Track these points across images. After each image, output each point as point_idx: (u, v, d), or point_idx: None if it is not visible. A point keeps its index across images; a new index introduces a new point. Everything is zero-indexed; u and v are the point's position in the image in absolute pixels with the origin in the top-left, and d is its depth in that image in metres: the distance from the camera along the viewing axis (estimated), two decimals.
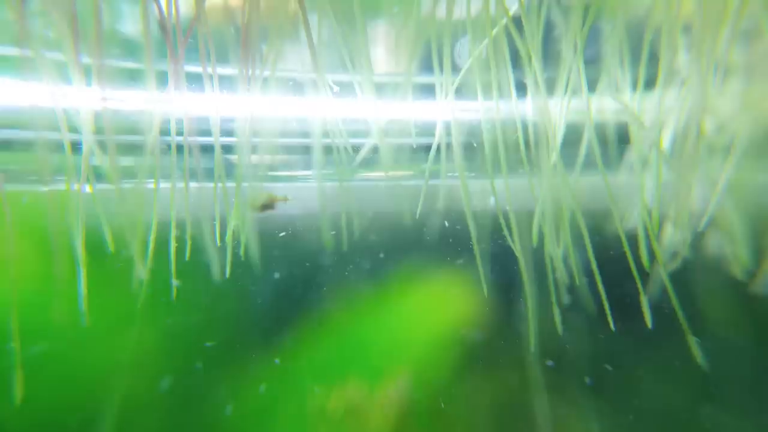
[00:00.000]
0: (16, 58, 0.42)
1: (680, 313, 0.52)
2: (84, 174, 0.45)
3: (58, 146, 0.43)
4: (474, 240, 0.54)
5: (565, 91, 0.54)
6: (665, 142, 0.58)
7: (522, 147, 0.53)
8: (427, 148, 0.54)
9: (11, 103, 0.45)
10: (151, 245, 0.47)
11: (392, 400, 0.59)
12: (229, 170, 0.49)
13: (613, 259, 0.53)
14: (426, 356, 0.61)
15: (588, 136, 0.55)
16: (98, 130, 0.44)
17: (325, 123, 0.51)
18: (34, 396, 0.49)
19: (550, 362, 0.58)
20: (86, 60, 0.41)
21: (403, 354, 0.61)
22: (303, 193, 0.54)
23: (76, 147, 0.44)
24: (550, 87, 0.54)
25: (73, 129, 0.43)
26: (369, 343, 0.61)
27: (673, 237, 0.56)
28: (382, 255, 0.59)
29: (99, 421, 0.53)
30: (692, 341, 0.54)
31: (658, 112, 0.56)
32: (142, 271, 0.49)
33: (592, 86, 0.54)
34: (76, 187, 0.45)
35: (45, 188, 0.44)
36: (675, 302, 0.52)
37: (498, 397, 0.61)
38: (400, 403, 0.59)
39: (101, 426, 0.53)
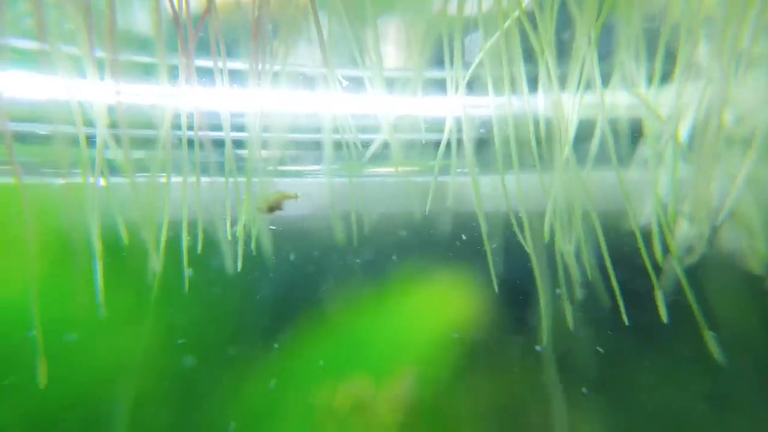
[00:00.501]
0: (30, 51, 0.44)
1: (696, 308, 0.51)
2: (98, 167, 0.46)
3: (71, 139, 0.44)
4: (485, 238, 0.53)
5: (578, 85, 0.54)
6: (682, 135, 0.57)
7: (533, 142, 0.53)
8: (436, 144, 0.54)
9: (24, 96, 0.46)
10: (163, 239, 0.48)
11: (396, 399, 0.59)
12: (238, 165, 0.50)
13: (625, 255, 0.53)
14: (428, 356, 0.61)
15: (600, 132, 0.54)
16: (110, 124, 0.45)
17: (335, 118, 0.51)
18: (41, 393, 0.50)
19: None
20: (95, 53, 0.42)
21: (406, 353, 0.61)
22: (309, 190, 0.54)
23: (89, 140, 0.45)
24: (562, 81, 0.54)
25: (86, 122, 0.44)
26: (372, 342, 0.61)
27: (688, 232, 0.55)
28: (386, 252, 0.59)
29: (104, 416, 0.54)
30: (709, 336, 0.53)
31: (675, 105, 0.55)
32: (155, 264, 0.50)
33: (605, 81, 0.54)
34: (91, 180, 0.46)
35: (61, 181, 0.45)
36: (690, 297, 0.51)
37: (500, 397, 0.61)
38: (403, 402, 0.59)
39: (107, 420, 0.54)
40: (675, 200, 0.55)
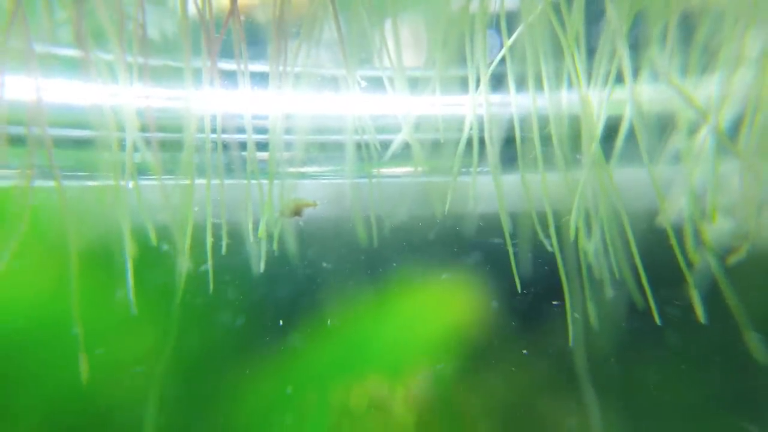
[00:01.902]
0: (61, 57, 0.46)
1: (736, 307, 0.49)
2: (129, 170, 0.48)
3: (101, 143, 0.46)
4: (507, 238, 0.52)
5: (607, 79, 0.52)
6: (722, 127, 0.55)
7: (555, 140, 0.51)
8: (454, 143, 0.53)
9: (53, 100, 0.48)
10: (188, 240, 0.49)
11: (404, 399, 0.59)
12: (261, 167, 0.51)
13: (656, 254, 0.51)
14: (432, 357, 0.60)
15: (628, 127, 0.52)
16: (138, 128, 0.47)
17: (354, 119, 0.52)
18: (55, 390, 0.52)
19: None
20: (109, 57, 0.44)
21: (410, 355, 0.61)
22: (323, 191, 0.55)
23: (120, 143, 0.47)
24: (588, 76, 0.52)
25: (112, 126, 0.46)
26: (375, 344, 0.61)
27: (724, 228, 0.52)
28: (393, 253, 0.59)
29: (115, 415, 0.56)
30: (751, 337, 0.50)
31: (716, 96, 0.53)
32: (183, 264, 0.51)
33: (633, 74, 0.52)
34: (123, 182, 0.49)
35: (93, 183, 0.48)
36: (729, 295, 0.49)
37: (503, 397, 0.60)
38: (412, 401, 0.59)
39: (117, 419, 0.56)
40: (714, 195, 0.52)
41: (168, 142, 0.48)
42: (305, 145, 0.53)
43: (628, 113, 0.51)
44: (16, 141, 0.46)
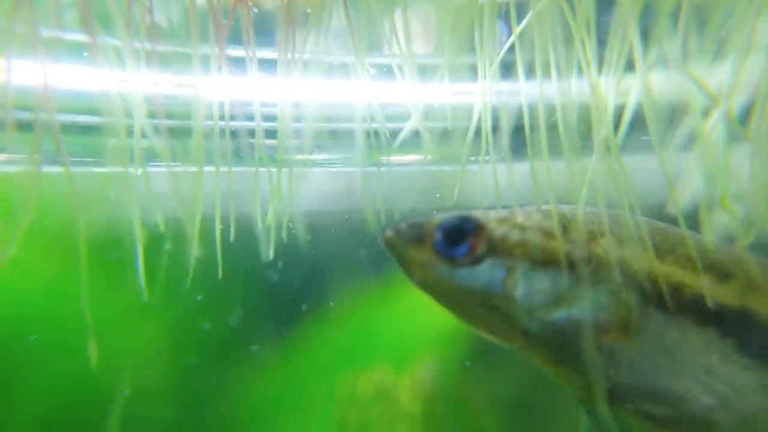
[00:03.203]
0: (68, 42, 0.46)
1: None
2: (137, 157, 0.48)
3: (108, 129, 0.46)
4: None
5: (616, 66, 0.52)
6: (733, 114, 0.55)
7: (561, 128, 0.51)
8: (463, 132, 0.53)
9: (62, 86, 0.48)
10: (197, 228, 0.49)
11: (413, 389, 0.59)
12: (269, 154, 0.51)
13: None
14: (439, 347, 0.60)
15: (639, 115, 0.52)
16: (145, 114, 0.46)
17: (363, 107, 0.52)
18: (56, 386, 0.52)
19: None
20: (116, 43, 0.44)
21: (415, 345, 0.60)
22: (329, 180, 0.55)
23: (128, 130, 0.47)
24: (598, 63, 0.52)
25: (114, 112, 0.46)
26: (384, 334, 0.61)
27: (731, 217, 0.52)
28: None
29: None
30: None
31: (728, 81, 0.52)
32: (194, 251, 0.51)
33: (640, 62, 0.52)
34: (131, 170, 0.48)
35: (100, 170, 0.47)
36: None
37: (511, 386, 0.60)
38: (421, 391, 0.59)
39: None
40: (725, 182, 0.52)
41: (176, 128, 0.48)
42: (314, 133, 0.52)
43: (639, 100, 0.51)
44: (24, 127, 0.46)
